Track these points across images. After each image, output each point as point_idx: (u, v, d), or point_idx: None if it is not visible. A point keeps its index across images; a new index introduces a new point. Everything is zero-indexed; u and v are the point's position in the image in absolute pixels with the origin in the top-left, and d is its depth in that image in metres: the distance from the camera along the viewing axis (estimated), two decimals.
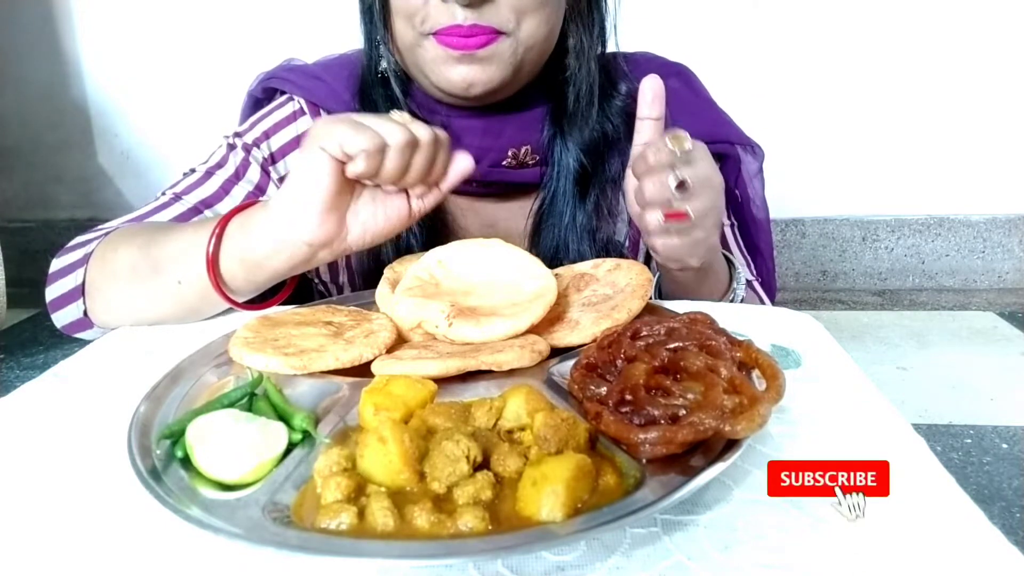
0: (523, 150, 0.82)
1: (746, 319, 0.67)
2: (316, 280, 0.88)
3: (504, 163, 0.82)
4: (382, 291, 0.65)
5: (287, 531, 0.37)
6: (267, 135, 0.84)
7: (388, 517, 0.36)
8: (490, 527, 0.36)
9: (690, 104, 0.86)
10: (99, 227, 0.76)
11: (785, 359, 0.59)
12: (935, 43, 2.23)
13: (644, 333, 0.50)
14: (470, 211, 0.85)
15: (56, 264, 0.74)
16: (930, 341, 2.05)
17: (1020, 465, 1.43)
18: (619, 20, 0.82)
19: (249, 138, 0.83)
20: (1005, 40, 2.22)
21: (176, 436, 0.44)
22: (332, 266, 0.87)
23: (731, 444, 0.41)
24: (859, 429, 0.48)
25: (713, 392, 0.42)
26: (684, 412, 0.41)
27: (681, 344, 0.47)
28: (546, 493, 0.36)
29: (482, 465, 0.40)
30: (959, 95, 2.27)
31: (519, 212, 0.84)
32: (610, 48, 0.83)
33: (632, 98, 0.82)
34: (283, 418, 0.46)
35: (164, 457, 0.43)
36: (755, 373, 0.47)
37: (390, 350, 0.57)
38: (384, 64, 0.79)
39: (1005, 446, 1.50)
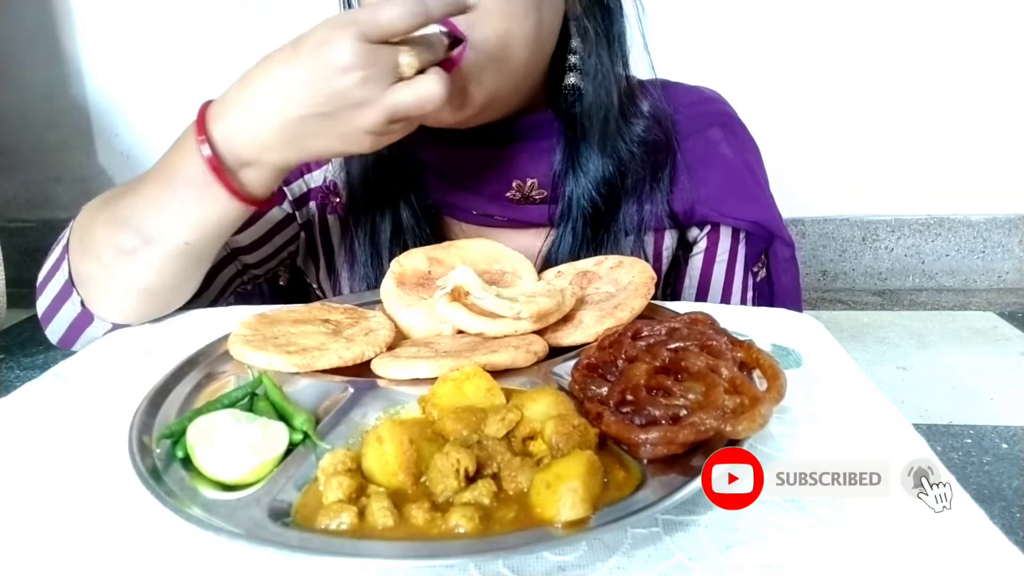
0: (529, 183, 0.76)
1: (746, 319, 0.67)
2: (315, 286, 0.87)
3: (508, 195, 0.76)
4: (387, 285, 0.65)
5: (288, 531, 0.37)
6: None
7: (388, 517, 0.36)
8: (488, 527, 0.36)
9: (732, 167, 0.80)
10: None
11: (785, 359, 0.59)
12: (935, 43, 2.23)
13: (645, 333, 0.50)
14: (477, 237, 0.80)
15: (41, 272, 0.70)
16: (930, 341, 2.05)
17: (1020, 465, 1.43)
18: (648, 37, 0.75)
19: None
20: (1005, 40, 2.22)
21: (176, 436, 0.44)
22: (333, 275, 0.85)
23: (732, 444, 0.41)
24: (859, 429, 0.48)
25: (714, 392, 0.42)
26: (685, 412, 0.41)
27: (682, 344, 0.47)
28: (563, 492, 0.36)
29: (481, 472, 0.40)
30: (959, 95, 2.27)
31: (527, 248, 0.76)
32: (644, 74, 0.77)
33: (656, 122, 0.77)
34: (284, 418, 0.46)
35: (164, 457, 0.43)
36: (756, 373, 0.47)
37: (389, 348, 0.57)
38: None
39: (1005, 446, 1.50)
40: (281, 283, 0.87)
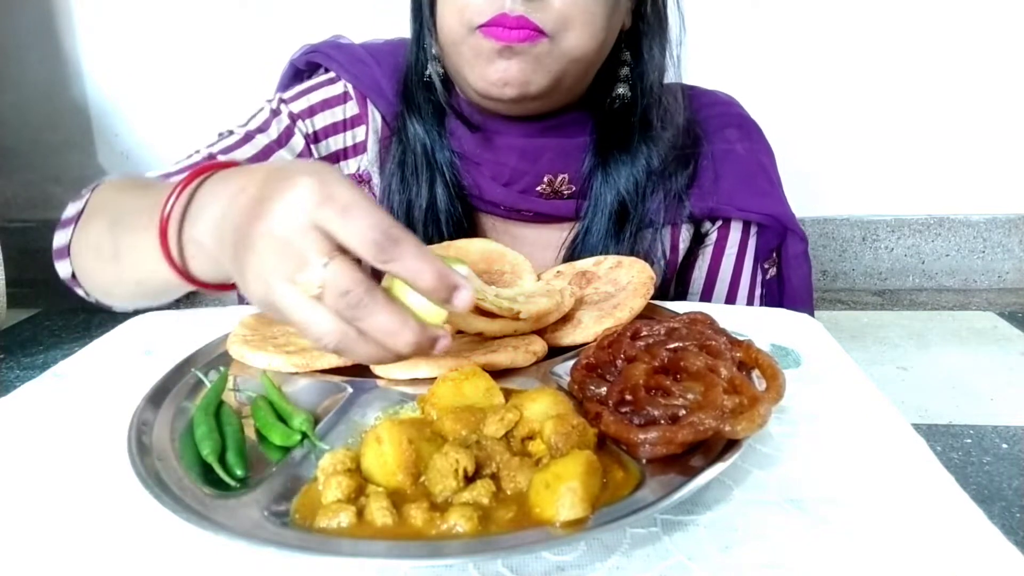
0: (560, 179, 0.79)
1: (746, 319, 0.67)
2: None
3: (538, 189, 0.79)
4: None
5: (287, 531, 0.37)
6: (312, 111, 0.81)
7: (387, 517, 0.36)
8: (486, 527, 0.36)
9: (745, 165, 0.83)
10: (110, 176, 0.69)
11: (785, 359, 0.59)
12: (935, 43, 2.23)
13: (644, 333, 0.50)
14: (503, 232, 0.83)
15: (67, 210, 0.69)
16: (930, 341, 2.05)
17: (1020, 465, 1.43)
18: (684, 51, 0.78)
19: (295, 108, 0.80)
20: (1005, 40, 2.22)
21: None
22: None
23: (731, 444, 0.41)
24: (859, 429, 0.48)
25: (713, 392, 0.42)
26: (684, 412, 0.41)
27: (681, 344, 0.47)
28: (562, 492, 0.36)
29: (480, 472, 0.40)
30: (959, 95, 2.27)
31: (552, 241, 0.81)
32: (670, 78, 0.80)
33: (685, 130, 0.81)
34: (282, 418, 0.46)
35: (165, 457, 0.43)
36: (755, 373, 0.47)
37: None
38: (430, 69, 0.77)
39: (1005, 446, 1.49)
40: None
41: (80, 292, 0.69)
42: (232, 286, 0.52)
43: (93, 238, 0.62)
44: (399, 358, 0.43)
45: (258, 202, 0.42)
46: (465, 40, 0.68)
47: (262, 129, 0.79)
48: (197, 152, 0.77)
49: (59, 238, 0.69)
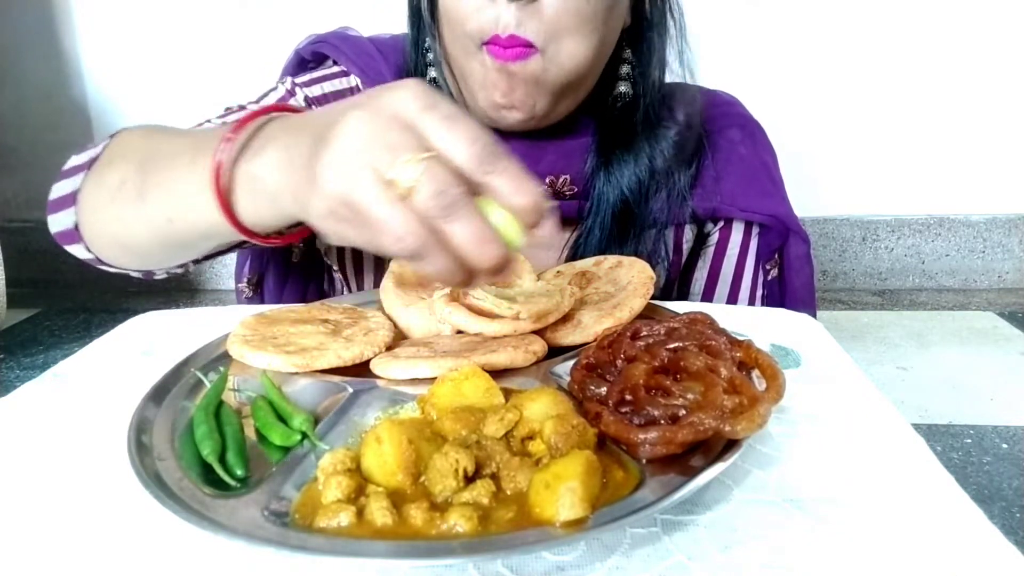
0: (561, 180, 0.78)
1: (746, 319, 0.67)
2: (335, 267, 0.86)
3: None
4: (386, 285, 0.65)
5: (287, 531, 0.37)
6: (325, 100, 0.79)
7: (386, 517, 0.36)
8: (486, 527, 0.36)
9: (748, 166, 0.83)
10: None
11: (785, 359, 0.59)
12: (935, 43, 2.23)
13: (644, 333, 0.50)
14: None
15: (70, 162, 0.67)
16: (930, 341, 2.05)
17: (1020, 465, 1.43)
18: (686, 47, 0.79)
19: (311, 93, 0.79)
20: (1005, 40, 2.22)
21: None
22: (357, 263, 0.85)
23: (731, 444, 0.41)
24: (859, 429, 0.48)
25: (713, 392, 0.42)
26: (684, 412, 0.41)
27: (681, 344, 0.47)
28: (562, 492, 0.36)
29: (480, 472, 0.40)
30: (959, 95, 2.27)
31: (554, 243, 0.81)
32: (677, 78, 0.80)
33: (688, 127, 0.81)
34: (282, 419, 0.46)
35: (165, 457, 0.43)
36: (755, 373, 0.47)
37: (388, 348, 0.57)
38: (432, 74, 0.76)
39: (1005, 446, 1.49)
40: (294, 259, 0.87)
41: (75, 248, 0.66)
42: (270, 238, 0.53)
43: (115, 178, 0.60)
44: (467, 280, 0.41)
45: (352, 105, 0.41)
46: (475, 56, 0.68)
47: None
48: (208, 121, 0.75)
49: (62, 187, 0.65)
